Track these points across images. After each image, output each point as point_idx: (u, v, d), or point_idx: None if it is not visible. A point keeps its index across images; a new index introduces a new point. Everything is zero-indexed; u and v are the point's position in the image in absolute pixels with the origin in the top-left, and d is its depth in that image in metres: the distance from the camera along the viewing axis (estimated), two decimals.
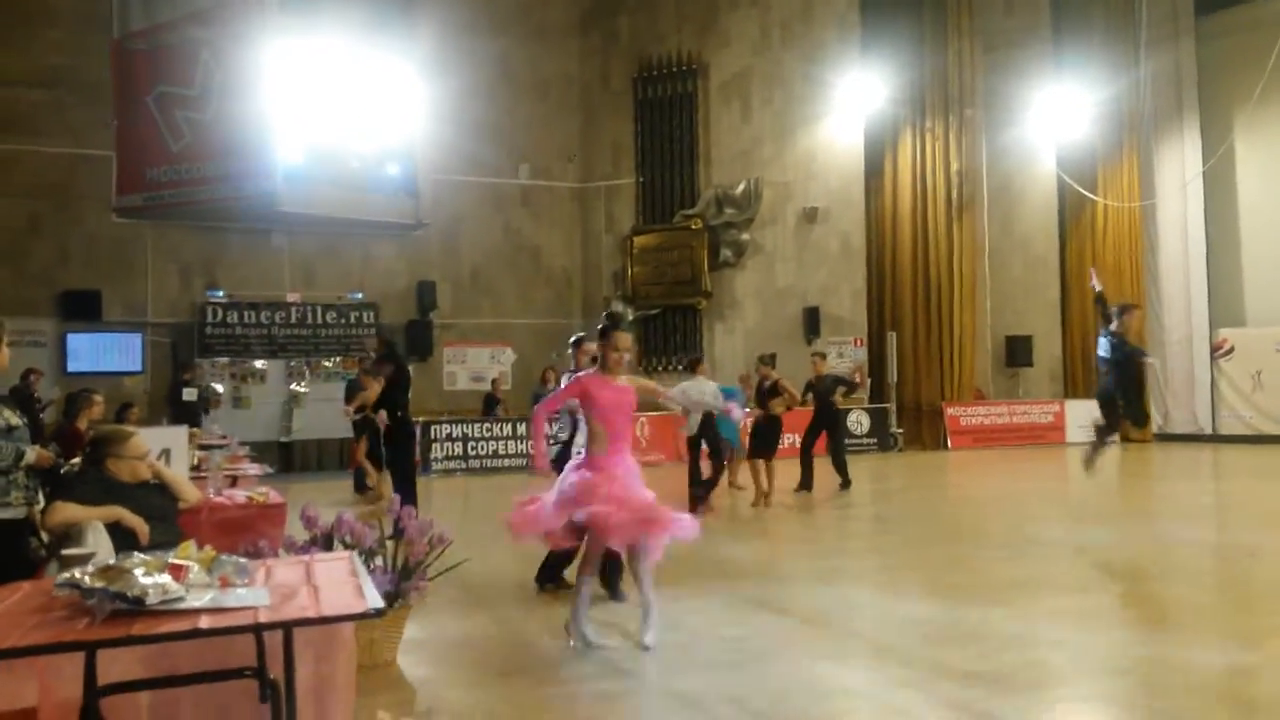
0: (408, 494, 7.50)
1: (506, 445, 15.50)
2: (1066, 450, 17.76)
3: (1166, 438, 18.71)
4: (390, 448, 9.77)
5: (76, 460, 5.10)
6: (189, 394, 13.69)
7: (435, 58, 16.54)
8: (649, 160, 18.74)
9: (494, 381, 17.16)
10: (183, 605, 2.41)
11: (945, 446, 17.80)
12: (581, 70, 19.35)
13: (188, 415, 12.57)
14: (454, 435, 15.33)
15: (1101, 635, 5.26)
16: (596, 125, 19.21)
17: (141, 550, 3.07)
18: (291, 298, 16.68)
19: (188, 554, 2.74)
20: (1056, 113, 18.83)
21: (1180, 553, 7.85)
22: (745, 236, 18.05)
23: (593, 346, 5.17)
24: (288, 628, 2.44)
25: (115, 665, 2.58)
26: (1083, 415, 18.80)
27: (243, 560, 2.80)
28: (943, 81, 18.23)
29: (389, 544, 4.94)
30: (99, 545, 3.86)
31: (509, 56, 18.34)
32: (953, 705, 4.12)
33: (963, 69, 18.29)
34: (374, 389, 9.86)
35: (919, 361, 18.34)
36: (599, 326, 5.07)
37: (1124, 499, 11.91)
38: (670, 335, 18.46)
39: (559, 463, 5.56)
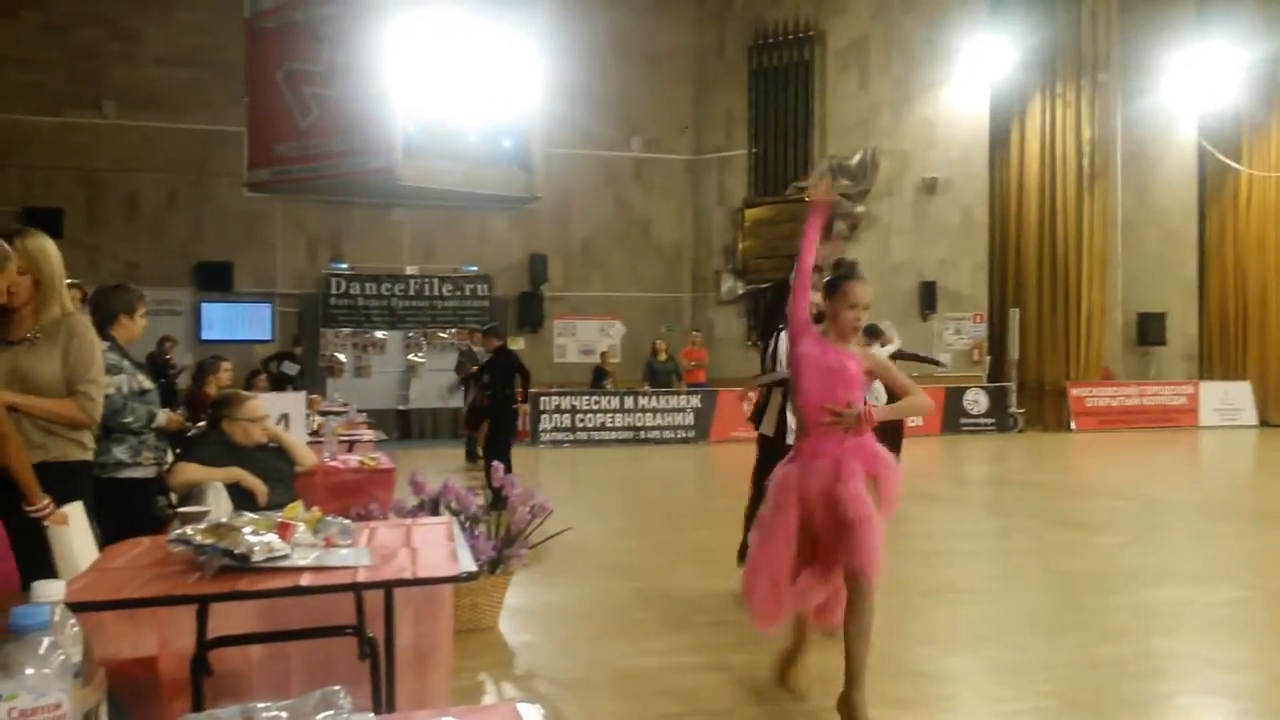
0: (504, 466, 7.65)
1: (614, 418, 15.62)
2: (1199, 434, 16.86)
3: None
4: (492, 424, 10.10)
5: (202, 424, 5.37)
6: (289, 368, 14.10)
7: (550, 30, 16.64)
8: (762, 131, 18.45)
9: (603, 354, 17.31)
10: (287, 563, 2.49)
11: (1069, 428, 17.09)
12: (695, 40, 19.14)
13: (284, 388, 12.79)
14: (562, 407, 15.53)
15: (1224, 629, 4.99)
16: (710, 96, 19.00)
17: (259, 511, 3.21)
18: (409, 270, 17.15)
19: (295, 514, 2.84)
20: (1198, 76, 17.70)
21: None
22: (860, 209, 17.63)
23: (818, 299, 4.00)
24: (386, 587, 2.51)
25: (230, 619, 2.71)
26: (1218, 398, 17.88)
27: (347, 521, 2.88)
28: (1075, 43, 17.33)
29: (492, 512, 5.05)
30: (219, 505, 4.05)
31: (623, 28, 18.28)
32: (1057, 695, 3.98)
33: (1097, 29, 17.35)
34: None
35: (1043, 339, 17.65)
36: (826, 279, 3.86)
37: (1261, 489, 11.22)
38: (781, 310, 18.19)
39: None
